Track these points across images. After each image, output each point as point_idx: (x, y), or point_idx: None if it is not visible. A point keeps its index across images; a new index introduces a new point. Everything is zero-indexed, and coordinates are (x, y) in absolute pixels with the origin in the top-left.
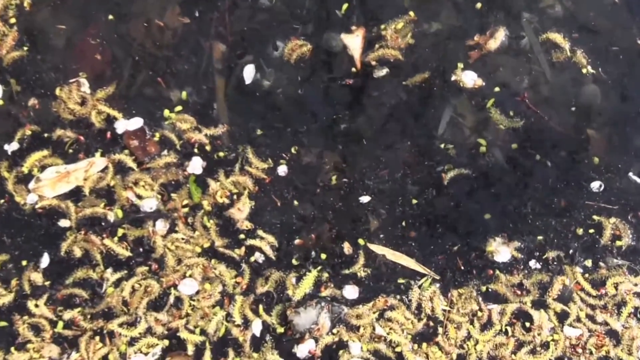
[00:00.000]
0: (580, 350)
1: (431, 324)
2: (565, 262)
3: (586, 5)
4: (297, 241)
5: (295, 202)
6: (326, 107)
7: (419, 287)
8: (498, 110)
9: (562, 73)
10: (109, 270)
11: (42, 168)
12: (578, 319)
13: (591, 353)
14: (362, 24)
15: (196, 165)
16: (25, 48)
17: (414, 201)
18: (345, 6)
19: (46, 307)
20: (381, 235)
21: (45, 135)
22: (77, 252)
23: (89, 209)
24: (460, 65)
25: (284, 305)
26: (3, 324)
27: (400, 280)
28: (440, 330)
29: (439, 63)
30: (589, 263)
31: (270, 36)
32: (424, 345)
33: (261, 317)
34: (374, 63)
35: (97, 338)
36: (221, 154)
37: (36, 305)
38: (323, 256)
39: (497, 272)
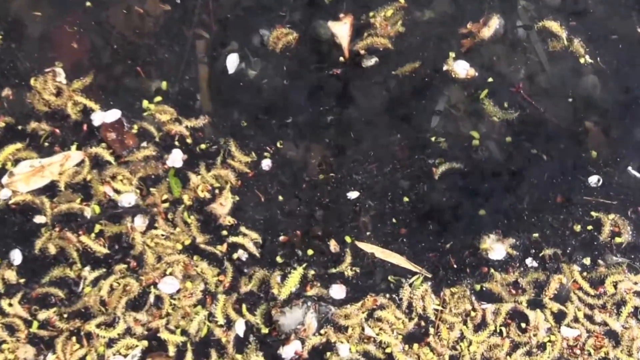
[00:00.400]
0: (578, 352)
1: (423, 324)
2: (563, 260)
3: None
4: (281, 238)
5: (280, 198)
6: (313, 98)
7: (410, 285)
8: (492, 101)
9: (559, 63)
10: (86, 268)
11: (16, 162)
12: (576, 319)
13: (590, 354)
14: (350, 11)
15: (176, 158)
16: None
17: (404, 197)
18: None
19: (21, 306)
20: (370, 233)
21: (19, 127)
22: (53, 250)
23: (65, 204)
24: (452, 54)
25: (269, 304)
26: None
27: (391, 279)
28: (432, 330)
29: (430, 52)
30: (587, 261)
31: (256, 24)
32: (415, 346)
33: (245, 317)
34: (362, 52)
35: (74, 339)
36: (202, 146)
37: (10, 305)
38: (309, 252)
39: (492, 270)
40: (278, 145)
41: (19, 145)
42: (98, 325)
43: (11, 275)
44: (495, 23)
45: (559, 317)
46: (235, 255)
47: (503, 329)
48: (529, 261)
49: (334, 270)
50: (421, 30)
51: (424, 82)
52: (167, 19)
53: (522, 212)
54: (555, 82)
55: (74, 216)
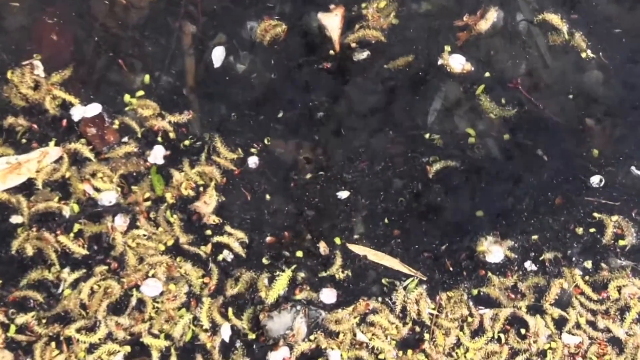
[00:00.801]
0: None
1: (417, 329)
2: (564, 263)
3: None
4: (268, 239)
5: (267, 197)
6: (301, 93)
7: (404, 288)
8: (488, 97)
9: (559, 57)
10: (65, 270)
11: None
12: (577, 326)
13: None
14: (341, 2)
15: (158, 155)
16: None
17: (397, 196)
18: None
19: None
20: (362, 234)
21: None
22: (30, 251)
23: (42, 203)
24: (448, 48)
25: (256, 308)
26: None
27: (384, 282)
28: (427, 336)
29: (425, 45)
30: (589, 264)
31: (244, 16)
32: (410, 352)
33: (231, 321)
34: (354, 45)
35: (54, 344)
36: (186, 142)
37: None
38: (298, 254)
39: (489, 273)
40: (265, 141)
41: None
42: (78, 330)
43: None
44: (493, 15)
45: (560, 323)
46: (220, 256)
47: (501, 335)
48: (529, 264)
49: (324, 274)
50: (415, 22)
51: (418, 76)
52: (152, 10)
53: (520, 213)
54: (555, 78)
55: (52, 215)
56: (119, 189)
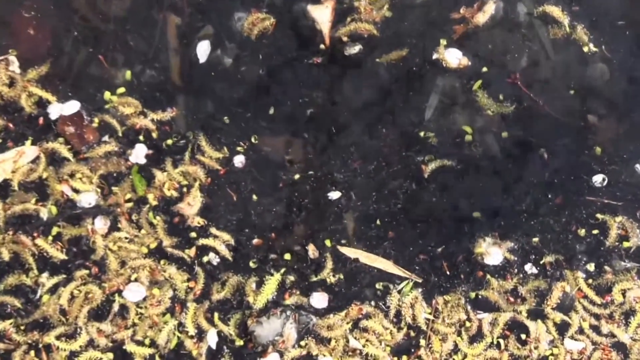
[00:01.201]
0: None
1: (413, 334)
2: (566, 266)
3: None
4: (255, 241)
5: (254, 197)
6: (290, 90)
7: (399, 292)
8: (486, 93)
9: (560, 51)
10: (44, 274)
11: None
12: (581, 331)
13: None
14: None
15: (140, 154)
16: None
17: (391, 197)
18: None
19: None
20: (353, 236)
21: None
22: (6, 255)
23: (19, 205)
24: (443, 41)
25: (244, 314)
26: None
27: (377, 285)
28: (423, 342)
29: (420, 39)
30: (592, 267)
31: (231, 7)
32: (405, 358)
33: (217, 327)
34: (345, 39)
35: (33, 352)
36: (169, 141)
37: None
38: (287, 257)
39: (488, 276)
40: (252, 140)
41: None
42: (58, 337)
43: None
44: (491, 8)
45: (562, 328)
46: (205, 259)
47: (501, 341)
48: (529, 267)
49: (314, 278)
50: (410, 15)
51: (412, 71)
52: (135, 1)
53: (520, 213)
54: (555, 73)
55: (29, 218)
56: (99, 190)
